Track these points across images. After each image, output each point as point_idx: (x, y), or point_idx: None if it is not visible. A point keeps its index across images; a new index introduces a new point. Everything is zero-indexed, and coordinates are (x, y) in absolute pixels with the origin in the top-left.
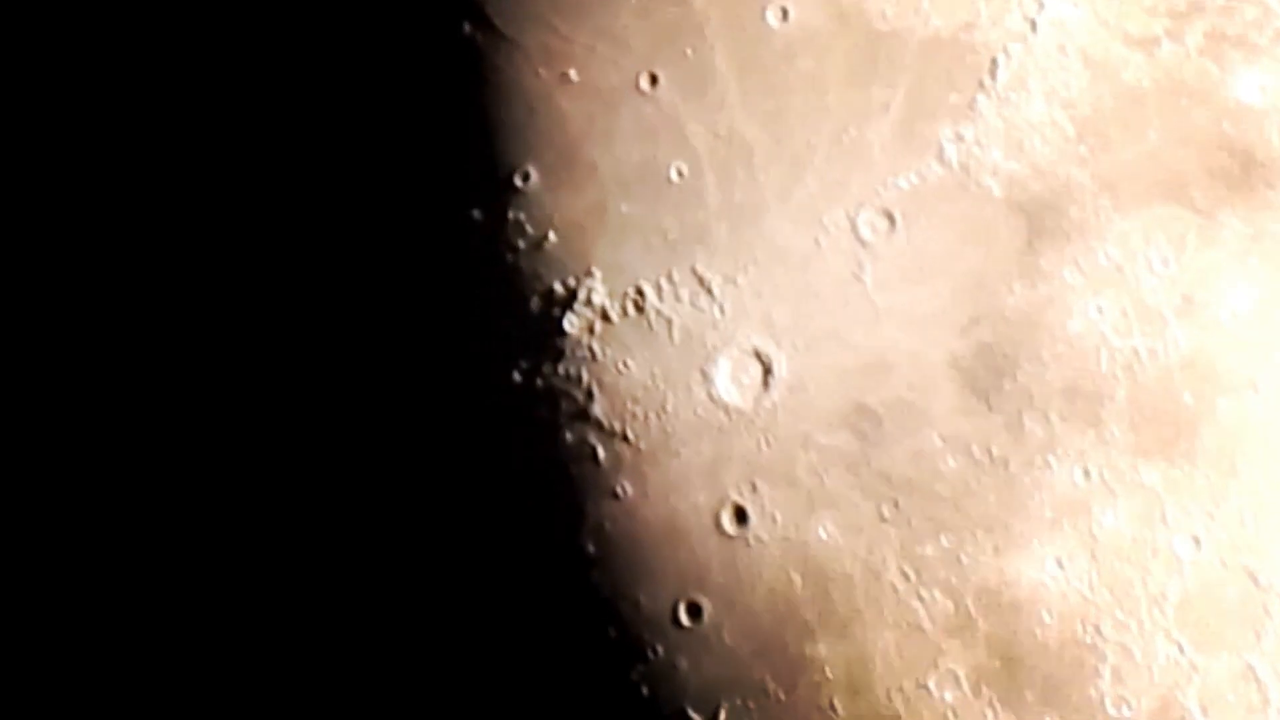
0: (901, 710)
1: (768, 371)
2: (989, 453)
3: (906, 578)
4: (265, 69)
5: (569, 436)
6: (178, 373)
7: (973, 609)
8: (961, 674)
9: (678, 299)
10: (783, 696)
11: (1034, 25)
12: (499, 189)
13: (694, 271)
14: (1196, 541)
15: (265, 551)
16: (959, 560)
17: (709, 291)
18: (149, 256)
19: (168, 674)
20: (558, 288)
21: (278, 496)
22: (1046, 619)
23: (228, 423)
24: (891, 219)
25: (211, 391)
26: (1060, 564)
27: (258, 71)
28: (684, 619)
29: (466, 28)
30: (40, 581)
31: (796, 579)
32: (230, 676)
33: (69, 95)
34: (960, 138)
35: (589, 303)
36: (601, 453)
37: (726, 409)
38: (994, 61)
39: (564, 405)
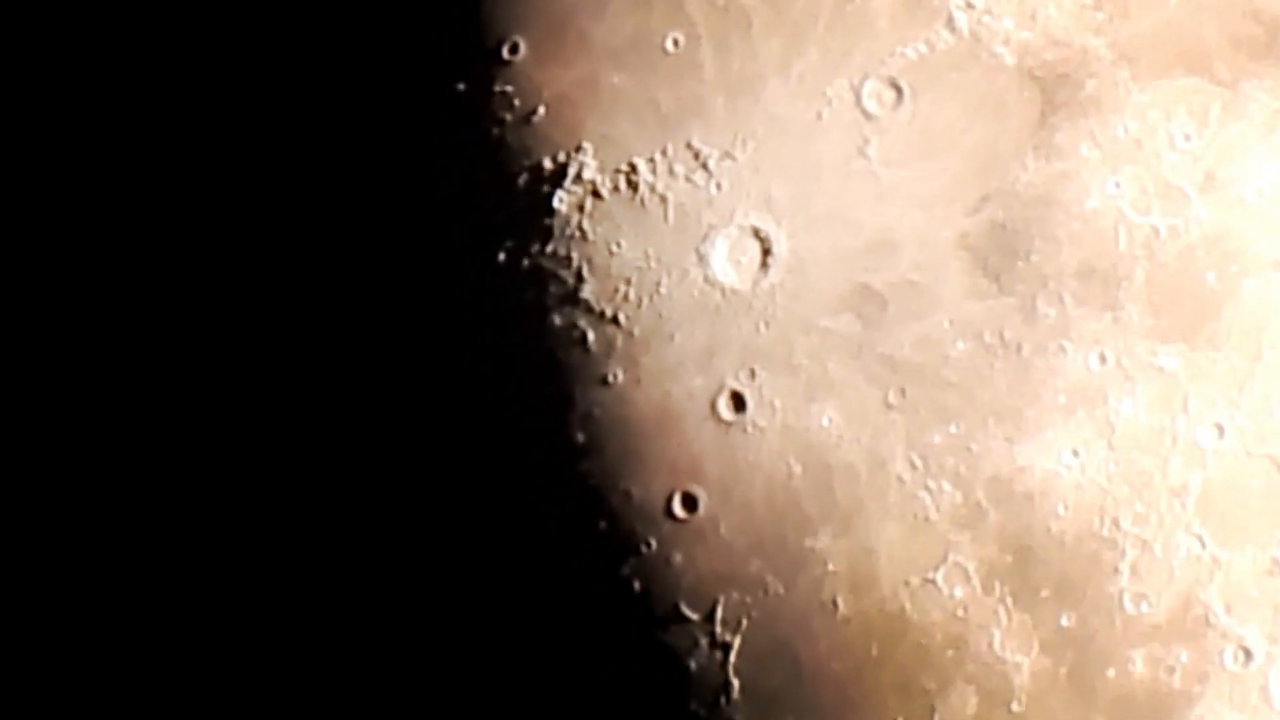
0: (908, 606)
1: (766, 251)
2: (1000, 337)
3: (913, 467)
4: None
5: (557, 320)
6: (155, 310)
7: (983, 500)
8: (971, 568)
9: (672, 175)
10: (782, 592)
11: None
12: (484, 61)
13: (689, 146)
14: (1219, 430)
15: (249, 474)
16: (968, 449)
17: (705, 167)
18: (113, 203)
19: (167, 673)
20: (546, 163)
21: (264, 414)
22: (1061, 511)
23: (207, 340)
24: (898, 90)
25: (189, 314)
26: (1075, 454)
27: None
28: (678, 510)
29: None
30: (37, 582)
31: (797, 469)
32: (216, 651)
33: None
34: (970, 4)
35: (579, 179)
36: (591, 337)
37: (723, 290)
38: None
39: (552, 287)
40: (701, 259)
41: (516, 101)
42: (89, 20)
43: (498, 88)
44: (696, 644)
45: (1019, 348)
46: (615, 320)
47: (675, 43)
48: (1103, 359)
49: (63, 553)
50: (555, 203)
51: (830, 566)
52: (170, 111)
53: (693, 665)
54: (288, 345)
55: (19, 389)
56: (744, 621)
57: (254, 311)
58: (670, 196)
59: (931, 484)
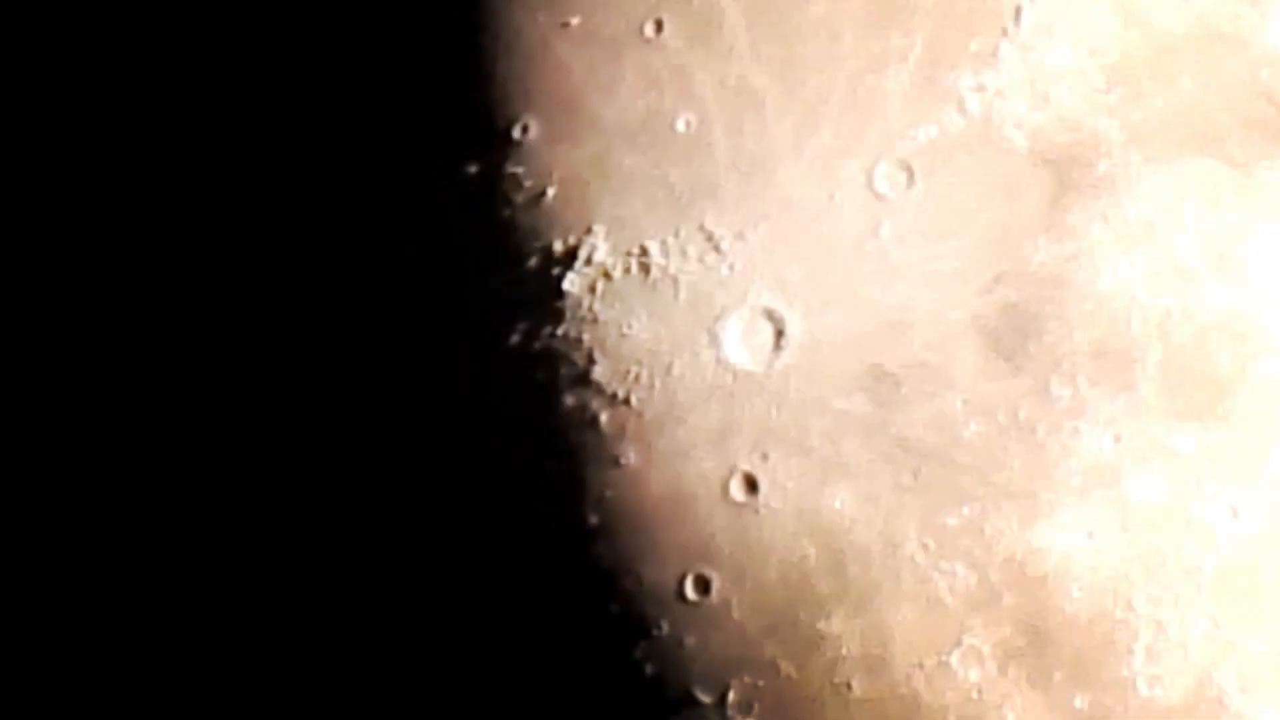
0: (922, 689)
1: (779, 332)
2: (1014, 417)
3: (926, 549)
4: (252, 18)
5: (569, 402)
6: (157, 329)
7: (997, 582)
8: (986, 651)
9: (684, 256)
10: (795, 675)
11: None
12: (495, 141)
13: (701, 227)
14: (1233, 511)
15: (255, 533)
16: (982, 531)
17: (717, 248)
18: (113, 205)
19: (165, 673)
20: (557, 245)
21: (264, 469)
22: (1075, 593)
23: (215, 394)
24: (910, 172)
25: (200, 356)
26: (1089, 535)
27: (244, 23)
28: (690, 593)
29: None
30: (35, 582)
31: (810, 551)
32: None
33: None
34: (982, 87)
35: (590, 261)
36: (603, 419)
37: (735, 372)
38: (1017, 7)
39: (564, 369)
40: (714, 340)
41: (527, 182)
42: (89, 22)
43: (508, 168)
44: None
45: (1033, 428)
46: (627, 402)
47: (686, 123)
48: (1117, 439)
49: (60, 552)
50: (566, 284)
51: (844, 649)
52: (192, 162)
53: None
54: (300, 414)
55: (17, 389)
56: (756, 705)
57: (259, 401)
58: (682, 278)
59: (945, 566)
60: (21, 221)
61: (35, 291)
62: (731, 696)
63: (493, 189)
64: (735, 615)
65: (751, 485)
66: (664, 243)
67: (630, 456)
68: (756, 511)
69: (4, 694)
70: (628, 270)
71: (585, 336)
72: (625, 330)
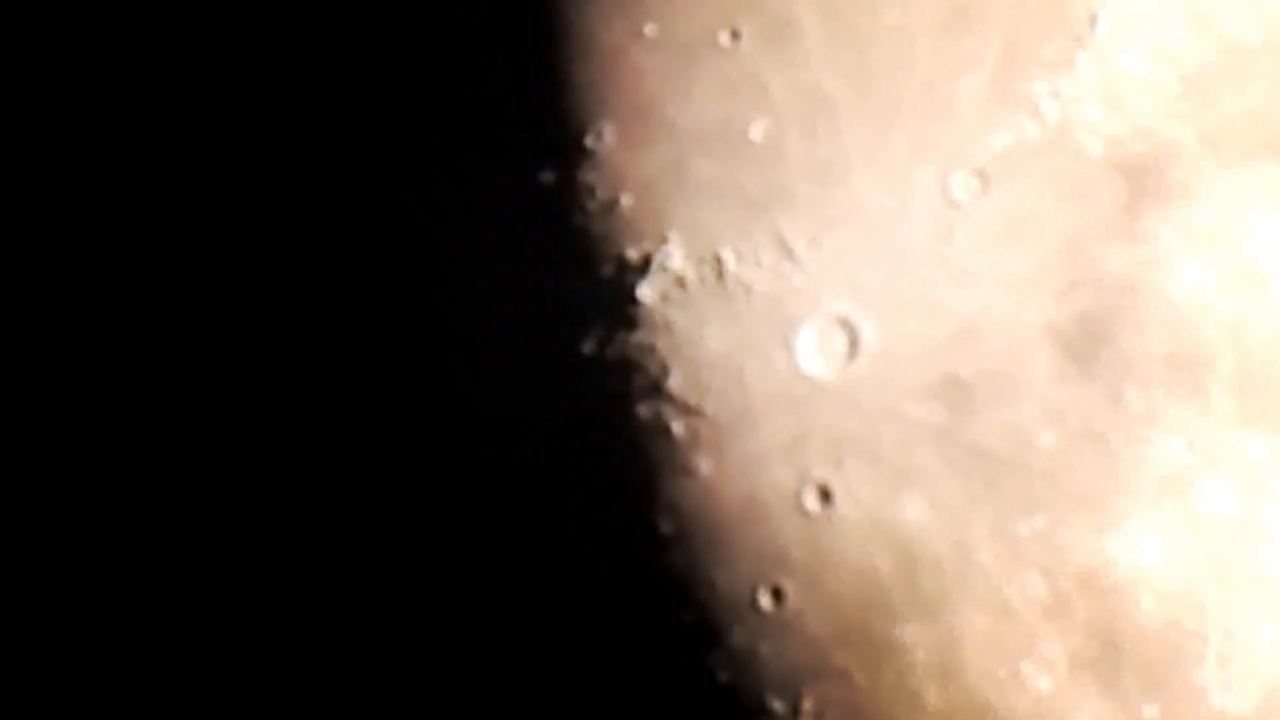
0: (994, 698)
1: (853, 340)
2: (1087, 425)
3: (999, 558)
4: (325, 19)
5: (642, 411)
6: (229, 328)
7: (1070, 591)
8: (1058, 659)
9: (758, 264)
10: (867, 684)
11: None
12: (570, 148)
13: (775, 234)
14: None
15: (309, 519)
16: (1055, 540)
17: (791, 255)
18: (182, 208)
19: (162, 673)
20: (631, 253)
21: (324, 463)
22: (1147, 601)
23: (280, 389)
24: (984, 179)
25: (265, 346)
26: (1162, 543)
27: (317, 22)
28: (764, 602)
29: None
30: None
31: (883, 560)
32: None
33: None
34: (1057, 94)
35: (664, 269)
36: (676, 428)
37: (809, 380)
38: (1093, 14)
39: (637, 378)
40: (788, 348)
41: (601, 189)
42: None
43: (582, 175)
44: None
45: (1105, 436)
46: (700, 410)
47: (761, 130)
48: (1190, 446)
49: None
50: (640, 292)
51: (916, 658)
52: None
53: None
54: (375, 434)
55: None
56: (829, 714)
57: (326, 402)
58: (756, 285)
59: (1018, 574)
60: (21, 222)
61: (35, 291)
62: (804, 705)
63: (567, 196)
64: (808, 624)
65: (825, 494)
66: (738, 250)
67: (703, 465)
68: (829, 520)
69: (4, 694)
70: (702, 278)
71: (659, 345)
72: (699, 338)
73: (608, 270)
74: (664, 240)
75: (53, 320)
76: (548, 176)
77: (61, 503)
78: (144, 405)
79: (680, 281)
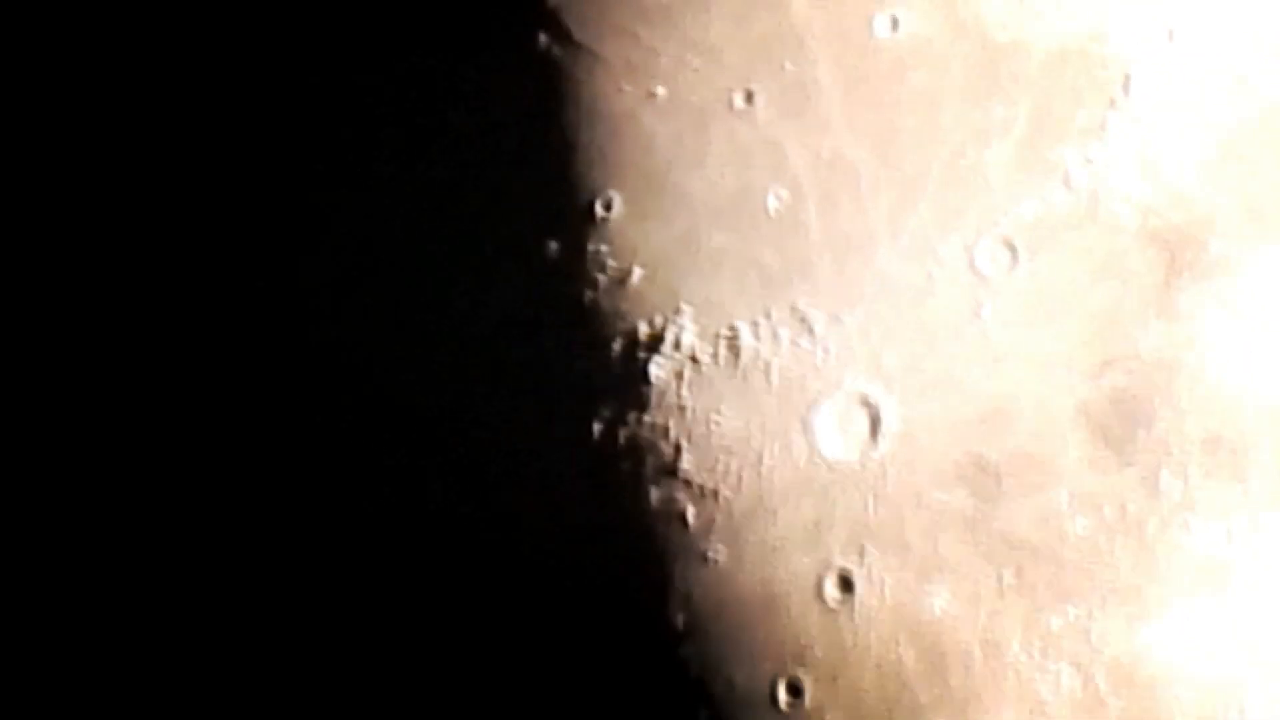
0: None
1: (876, 421)
2: (1122, 512)
3: (1031, 651)
4: (332, 77)
5: (655, 495)
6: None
7: (1104, 687)
8: None
9: (776, 340)
10: None
11: (1172, 35)
12: (578, 218)
13: (794, 309)
14: None
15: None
16: (1088, 632)
17: (811, 331)
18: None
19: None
20: (643, 328)
21: (344, 573)
22: (1186, 695)
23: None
24: (1013, 250)
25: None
26: (1199, 635)
27: (323, 81)
28: (783, 699)
29: (543, 39)
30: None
31: (908, 654)
32: None
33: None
34: (1089, 161)
35: (678, 345)
36: (691, 513)
37: (830, 463)
38: (1127, 76)
39: (650, 460)
40: (807, 429)
41: (611, 261)
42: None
43: (592, 247)
44: None
45: (1142, 523)
46: (716, 495)
47: (778, 199)
48: (1229, 534)
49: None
50: (653, 370)
51: None
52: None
53: None
54: (378, 518)
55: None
56: None
57: (335, 501)
58: (774, 363)
59: (1050, 668)
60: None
61: (34, 291)
62: None
63: (575, 268)
64: None
65: (846, 584)
66: (755, 326)
67: (719, 553)
68: (851, 611)
69: (4, 694)
70: (717, 355)
71: (672, 426)
72: (714, 419)
73: (618, 347)
74: (677, 316)
75: (44, 321)
76: (555, 247)
77: (58, 502)
78: (136, 418)
79: (694, 359)
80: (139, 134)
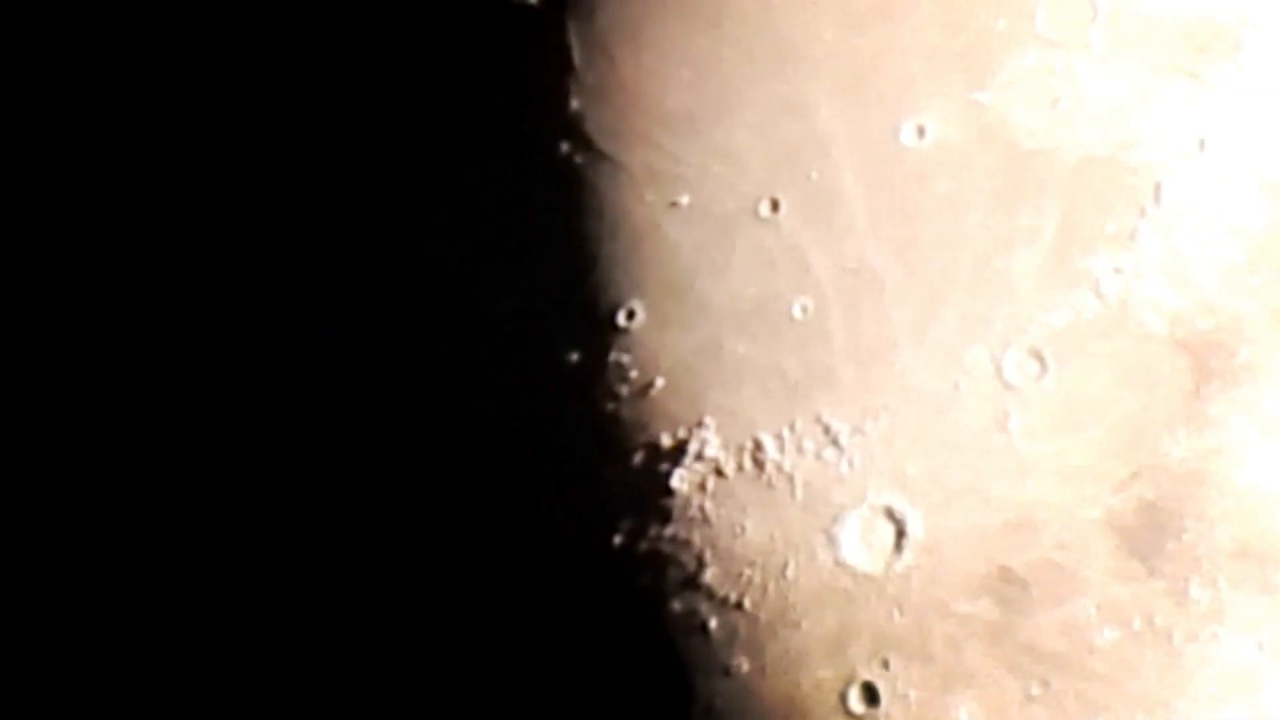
0: None
1: (900, 532)
2: (1149, 623)
3: None
4: (356, 41)
5: (677, 607)
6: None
7: None
8: None
9: (800, 451)
10: None
11: (1203, 144)
12: (599, 328)
13: (818, 420)
14: None
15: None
16: None
17: (835, 442)
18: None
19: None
20: (665, 439)
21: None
22: None
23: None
24: (1041, 360)
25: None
26: None
27: (323, 81)
28: None
29: (563, 147)
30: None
31: None
32: None
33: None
34: (1119, 270)
35: (700, 456)
36: (713, 624)
37: (854, 574)
38: (1157, 185)
39: (671, 572)
40: (831, 541)
41: (633, 372)
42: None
43: (613, 357)
44: None
45: (1169, 634)
46: (739, 606)
47: (803, 309)
48: (1260, 646)
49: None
50: (675, 482)
51: None
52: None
53: None
54: (401, 639)
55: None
56: None
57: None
58: (798, 474)
59: None
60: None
61: (34, 291)
62: None
63: (596, 379)
64: None
65: (871, 695)
66: (779, 437)
67: (742, 664)
68: None
69: (4, 694)
70: (740, 466)
71: (695, 537)
72: (737, 531)
73: (639, 458)
74: (700, 426)
75: (43, 321)
76: (575, 357)
77: (58, 502)
78: (135, 418)
79: (717, 470)
80: (138, 133)
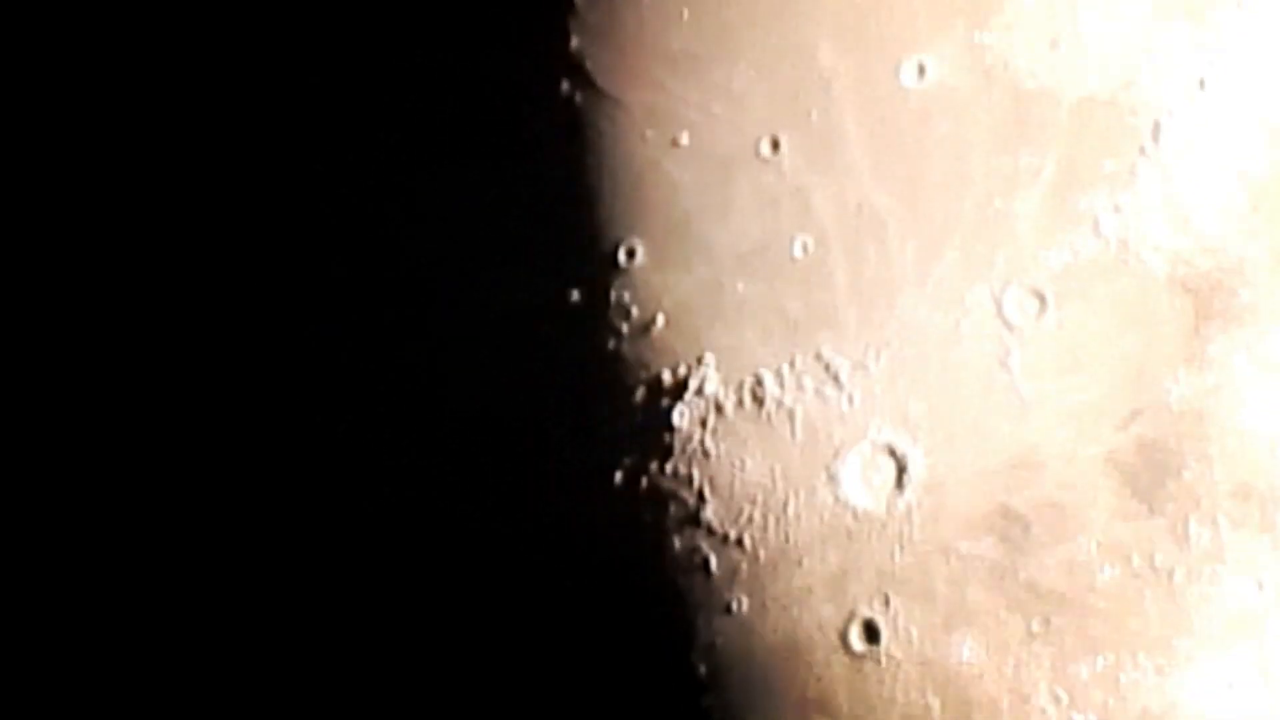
0: None
1: (902, 470)
2: (1150, 562)
3: (1058, 701)
4: (356, 41)
5: (678, 544)
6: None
7: None
8: None
9: (801, 389)
10: None
11: (1203, 83)
12: (601, 266)
13: (819, 358)
14: None
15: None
16: (1117, 683)
17: (836, 380)
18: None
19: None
20: (666, 377)
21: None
22: None
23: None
24: (1041, 299)
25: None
26: (1230, 687)
27: (323, 81)
28: None
29: (565, 86)
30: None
31: (934, 704)
32: None
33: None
34: (1118, 209)
35: (701, 393)
36: (714, 562)
37: (855, 512)
38: (1156, 124)
39: (672, 509)
40: (832, 478)
41: (634, 310)
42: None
43: (614, 295)
44: None
45: (1170, 573)
46: (740, 544)
47: (804, 248)
48: (1260, 585)
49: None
50: (675, 418)
51: None
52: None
53: None
54: (400, 573)
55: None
56: None
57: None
58: (799, 411)
59: (1078, 719)
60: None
61: (34, 292)
62: None
63: (597, 317)
64: None
65: (872, 633)
66: (779, 374)
67: (742, 602)
68: (877, 661)
69: (4, 694)
70: (741, 403)
71: (695, 474)
72: (738, 467)
73: (640, 395)
74: (700, 364)
75: (43, 321)
76: (576, 296)
77: (58, 502)
78: (132, 412)
79: (718, 407)
80: (138, 133)
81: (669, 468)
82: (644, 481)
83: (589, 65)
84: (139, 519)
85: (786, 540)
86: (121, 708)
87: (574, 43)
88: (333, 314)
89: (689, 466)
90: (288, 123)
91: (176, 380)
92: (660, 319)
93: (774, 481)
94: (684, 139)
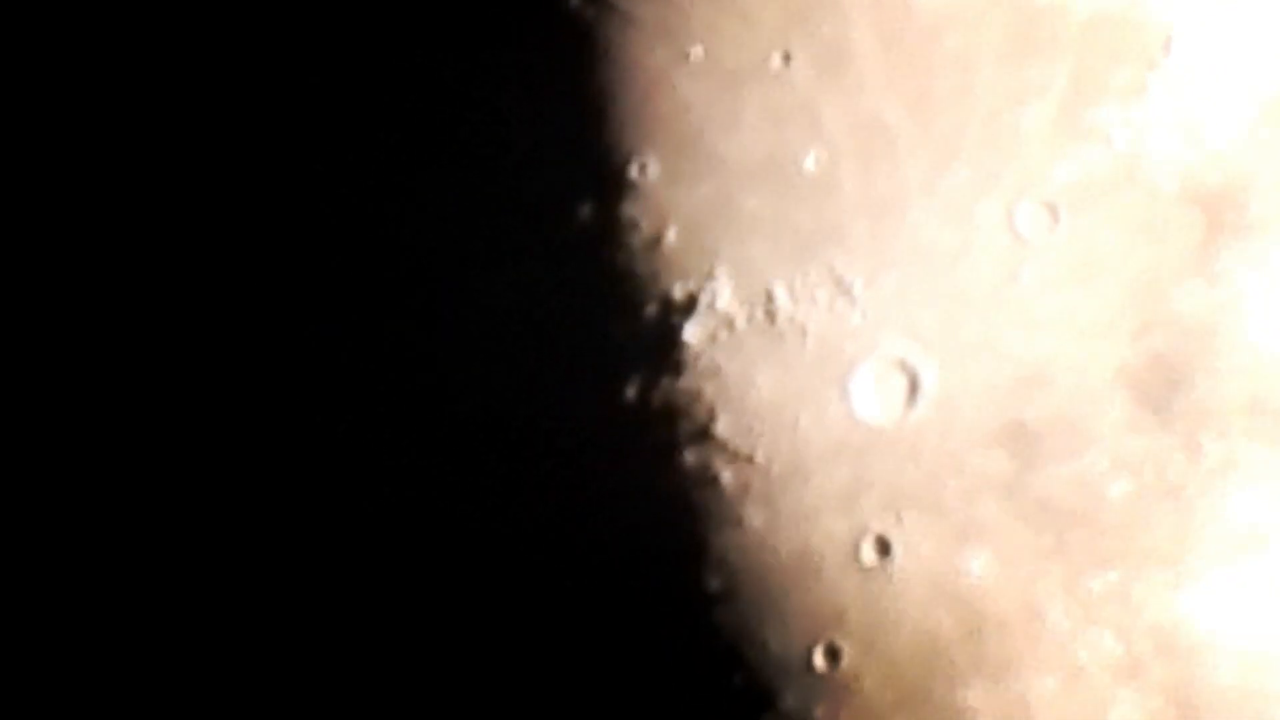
0: None
1: (913, 384)
2: (1161, 476)
3: (1070, 616)
4: (356, 41)
5: (689, 459)
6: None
7: (1144, 651)
8: None
9: (812, 303)
10: None
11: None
12: (611, 181)
13: (830, 272)
14: None
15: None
16: (1129, 597)
17: (847, 294)
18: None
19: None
20: (676, 292)
21: (359, 534)
22: (1226, 662)
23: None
24: (1052, 213)
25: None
26: (1240, 601)
27: (351, 46)
28: (819, 663)
29: (575, 0)
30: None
31: (945, 618)
32: None
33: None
34: (1129, 123)
35: (712, 308)
36: (726, 477)
37: (866, 427)
38: (1168, 39)
39: (683, 424)
40: (843, 393)
41: (644, 224)
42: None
43: (625, 210)
44: None
45: (1181, 488)
46: (751, 459)
47: (814, 162)
48: (1270, 499)
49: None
50: (686, 334)
51: None
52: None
53: None
54: (407, 483)
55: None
56: None
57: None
58: (810, 326)
59: (1090, 634)
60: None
61: (34, 292)
62: None
63: (608, 231)
64: (866, 687)
65: (884, 548)
66: (790, 289)
67: (754, 517)
68: (888, 576)
69: (4, 694)
70: (752, 318)
71: (707, 389)
72: (749, 382)
73: (651, 310)
74: (711, 278)
75: (43, 321)
76: (587, 210)
77: (58, 502)
78: (132, 412)
79: (728, 322)
80: (139, 133)
81: (679, 383)
82: (655, 397)
83: None
84: (139, 518)
85: (798, 455)
86: (122, 708)
87: None
88: (333, 314)
89: (700, 382)
90: (288, 123)
91: (177, 380)
92: (671, 233)
93: (785, 396)
94: (695, 53)
